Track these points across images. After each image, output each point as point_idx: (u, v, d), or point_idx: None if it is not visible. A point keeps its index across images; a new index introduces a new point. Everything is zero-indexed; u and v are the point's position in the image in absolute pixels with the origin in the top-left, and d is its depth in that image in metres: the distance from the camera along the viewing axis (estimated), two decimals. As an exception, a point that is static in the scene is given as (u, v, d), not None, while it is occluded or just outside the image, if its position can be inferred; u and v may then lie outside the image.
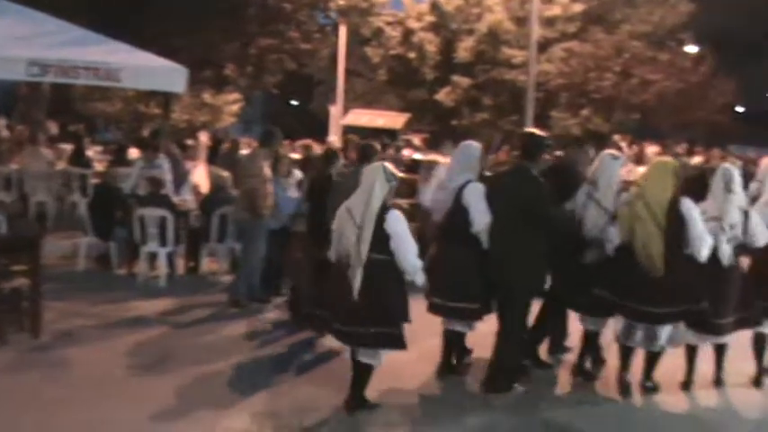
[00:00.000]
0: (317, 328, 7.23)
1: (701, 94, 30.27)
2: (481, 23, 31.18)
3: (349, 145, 16.89)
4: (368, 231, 5.55)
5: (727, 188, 6.30)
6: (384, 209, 5.65)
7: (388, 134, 27.33)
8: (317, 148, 14.38)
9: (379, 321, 5.63)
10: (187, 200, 11.44)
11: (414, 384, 6.60)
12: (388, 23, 33.21)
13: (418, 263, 5.69)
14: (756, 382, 6.56)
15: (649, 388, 6.45)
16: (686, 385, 6.51)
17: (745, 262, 6.70)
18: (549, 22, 30.02)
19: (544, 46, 29.24)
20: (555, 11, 30.32)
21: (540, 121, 27.90)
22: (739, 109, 39.72)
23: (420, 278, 5.76)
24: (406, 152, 19.92)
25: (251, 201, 8.87)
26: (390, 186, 5.68)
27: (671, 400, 6.34)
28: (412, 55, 32.49)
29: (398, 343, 5.75)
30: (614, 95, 28.89)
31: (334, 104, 29.76)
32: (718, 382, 6.51)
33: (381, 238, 5.61)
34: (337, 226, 5.85)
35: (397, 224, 5.67)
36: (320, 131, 28.48)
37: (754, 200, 7.24)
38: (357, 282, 5.56)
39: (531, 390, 6.46)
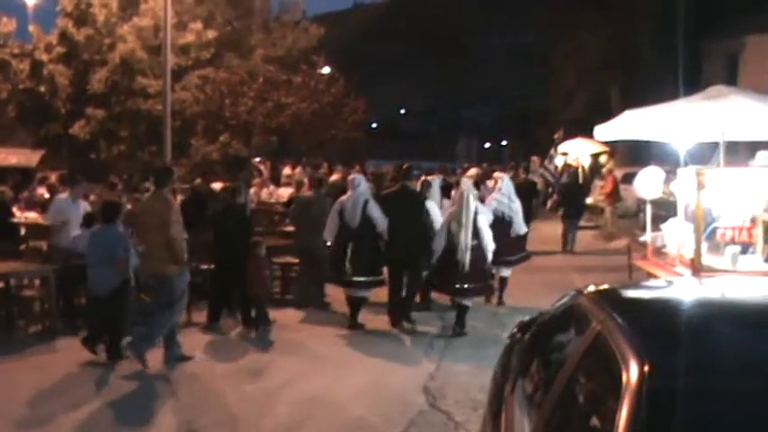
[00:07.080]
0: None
1: (334, 113, 31.82)
2: (114, 53, 30.55)
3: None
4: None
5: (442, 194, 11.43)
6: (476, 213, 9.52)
7: (24, 172, 25.84)
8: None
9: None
10: None
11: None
12: (15, 56, 31.50)
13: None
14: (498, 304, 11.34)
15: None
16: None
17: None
18: (183, 49, 30.11)
19: (179, 74, 29.29)
20: (189, 38, 30.45)
21: (180, 149, 27.90)
22: (374, 125, 42.92)
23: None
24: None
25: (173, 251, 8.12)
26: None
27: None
28: (42, 88, 31.07)
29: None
30: (251, 120, 29.56)
31: (-38, 145, 27.68)
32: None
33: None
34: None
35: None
36: (-48, 174, 26.22)
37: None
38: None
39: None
